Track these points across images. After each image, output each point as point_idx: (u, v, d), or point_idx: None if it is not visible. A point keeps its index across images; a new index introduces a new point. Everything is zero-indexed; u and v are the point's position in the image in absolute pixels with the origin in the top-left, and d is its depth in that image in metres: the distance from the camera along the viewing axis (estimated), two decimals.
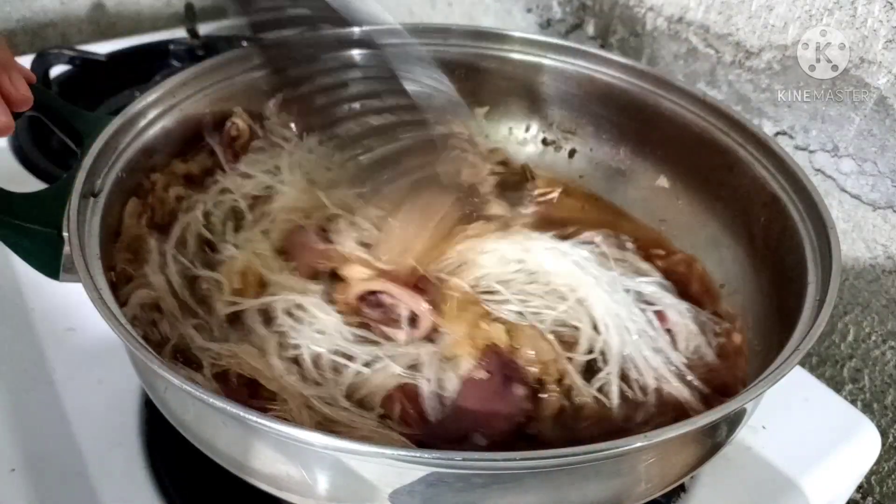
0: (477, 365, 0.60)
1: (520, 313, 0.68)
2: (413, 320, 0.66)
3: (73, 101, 0.74)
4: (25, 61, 1.05)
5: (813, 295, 0.62)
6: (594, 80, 0.90)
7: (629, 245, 0.80)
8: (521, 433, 0.59)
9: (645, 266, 0.77)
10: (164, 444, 0.68)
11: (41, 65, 1.14)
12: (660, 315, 0.70)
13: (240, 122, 0.85)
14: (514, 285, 0.70)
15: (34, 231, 0.62)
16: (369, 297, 0.68)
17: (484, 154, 0.90)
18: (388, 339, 0.66)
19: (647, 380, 0.65)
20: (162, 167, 0.78)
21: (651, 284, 0.73)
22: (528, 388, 0.60)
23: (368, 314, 0.67)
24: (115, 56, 1.26)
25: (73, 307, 0.78)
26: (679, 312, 0.70)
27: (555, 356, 0.64)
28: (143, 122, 0.74)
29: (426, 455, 0.47)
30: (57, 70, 1.20)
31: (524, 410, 0.59)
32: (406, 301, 0.66)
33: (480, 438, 0.58)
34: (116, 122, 0.70)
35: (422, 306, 0.66)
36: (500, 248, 0.72)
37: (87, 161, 0.65)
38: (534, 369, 0.63)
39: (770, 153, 0.75)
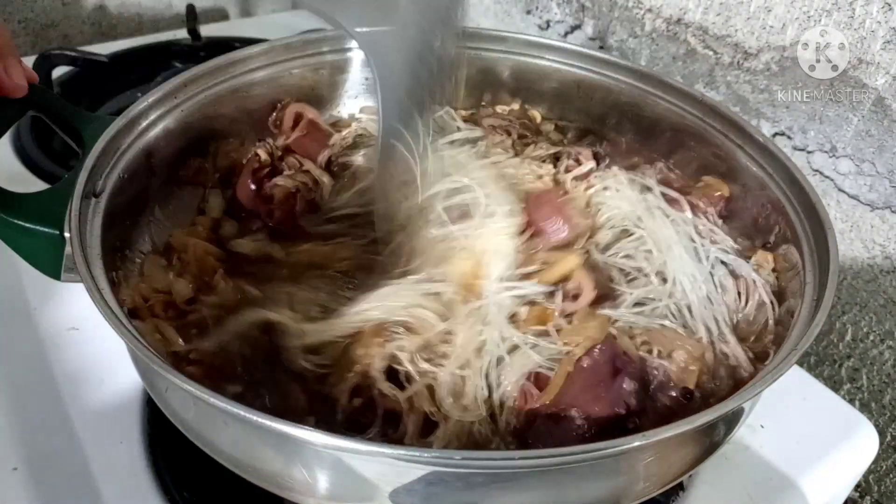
0: (587, 353, 0.62)
1: (639, 305, 0.70)
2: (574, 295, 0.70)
3: (75, 102, 0.75)
4: (27, 62, 1.05)
5: (811, 294, 0.63)
6: (593, 81, 0.90)
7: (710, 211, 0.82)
8: (620, 425, 0.59)
9: (720, 235, 0.79)
10: (165, 442, 0.69)
11: (43, 66, 1.15)
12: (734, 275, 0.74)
13: (262, 153, 0.84)
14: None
15: (36, 231, 0.62)
16: None
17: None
18: None
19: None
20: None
21: (730, 254, 0.76)
22: (638, 385, 0.61)
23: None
24: (116, 57, 1.26)
25: (75, 307, 0.79)
26: (753, 281, 0.73)
27: (702, 350, 0.66)
28: (144, 123, 0.74)
29: (426, 454, 0.48)
30: (59, 71, 1.20)
31: (627, 404, 0.59)
32: (580, 277, 0.70)
33: (578, 416, 0.58)
34: (118, 122, 0.70)
35: (589, 286, 0.69)
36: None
37: (89, 162, 0.65)
38: (692, 368, 0.64)
39: (768, 154, 0.75)
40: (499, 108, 0.98)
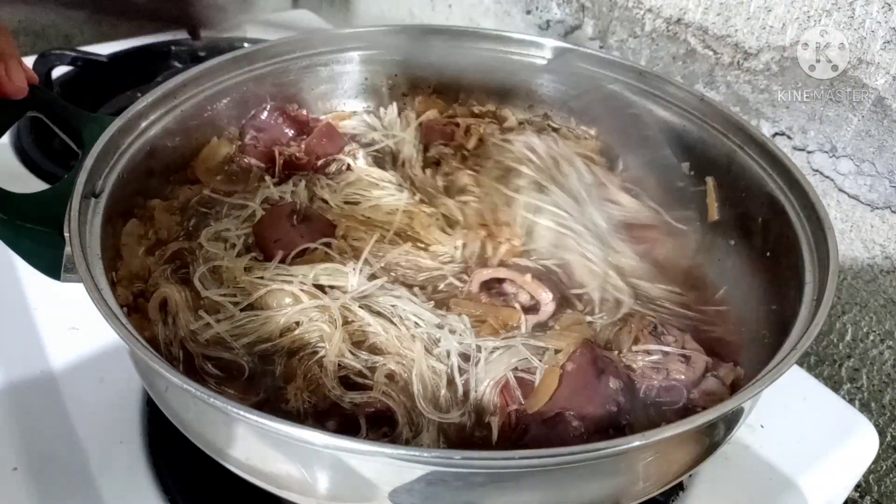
0: (568, 358, 0.62)
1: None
2: (532, 308, 0.69)
3: (75, 102, 0.75)
4: (27, 62, 1.05)
5: (810, 294, 0.62)
6: (592, 81, 0.90)
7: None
8: (614, 423, 0.59)
9: None
10: (165, 442, 0.69)
11: (43, 66, 1.15)
12: None
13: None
14: None
15: (35, 231, 0.62)
16: (493, 286, 0.72)
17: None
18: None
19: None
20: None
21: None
22: (621, 383, 0.61)
23: (488, 302, 0.70)
24: (116, 57, 1.26)
25: (75, 307, 0.78)
26: None
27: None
28: (144, 123, 0.74)
29: (426, 454, 0.48)
30: (59, 71, 1.20)
31: (617, 402, 0.60)
32: (532, 290, 0.69)
33: (573, 419, 0.58)
34: (117, 122, 0.70)
35: (546, 296, 0.69)
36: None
37: (89, 162, 0.65)
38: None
39: (768, 154, 0.75)
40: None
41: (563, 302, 0.71)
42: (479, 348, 0.64)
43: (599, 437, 0.57)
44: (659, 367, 0.64)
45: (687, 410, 0.62)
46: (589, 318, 0.70)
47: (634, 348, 0.65)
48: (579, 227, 0.76)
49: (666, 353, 0.64)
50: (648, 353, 0.65)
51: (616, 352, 0.66)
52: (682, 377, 0.63)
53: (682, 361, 0.64)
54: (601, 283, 0.72)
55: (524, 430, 0.60)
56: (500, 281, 0.72)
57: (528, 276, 0.69)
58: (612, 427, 0.59)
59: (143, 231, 0.73)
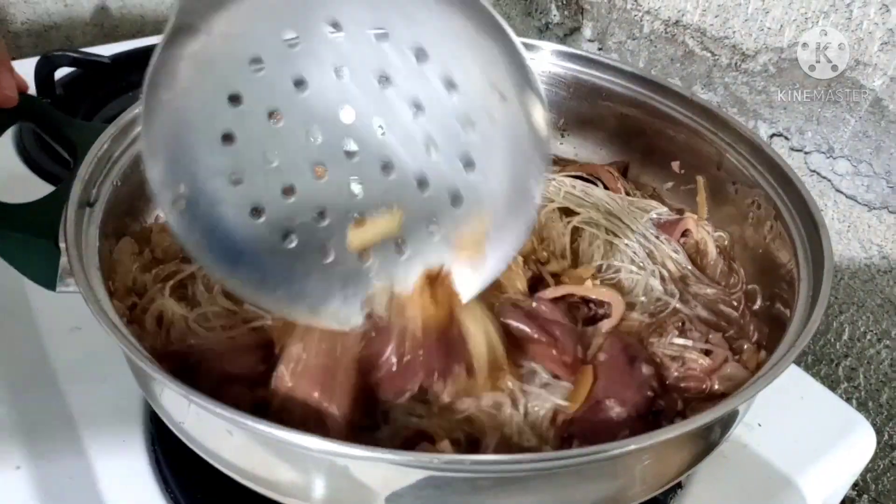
0: (599, 349, 0.62)
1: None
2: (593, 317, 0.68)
3: (77, 104, 0.74)
4: (29, 63, 1.05)
5: (805, 293, 0.62)
6: (591, 82, 0.90)
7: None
8: (652, 408, 0.60)
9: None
10: (167, 442, 0.69)
11: (45, 67, 1.15)
12: None
13: None
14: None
15: (29, 242, 0.61)
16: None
17: None
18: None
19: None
20: None
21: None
22: (653, 368, 0.62)
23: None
24: (119, 58, 1.26)
25: (77, 306, 0.78)
26: None
27: None
28: (137, 130, 0.74)
29: (428, 458, 0.48)
30: (61, 73, 1.21)
31: (652, 388, 0.60)
32: (599, 295, 0.67)
33: (615, 405, 0.58)
34: (110, 130, 0.69)
35: (616, 296, 0.67)
36: None
37: (83, 170, 0.64)
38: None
39: (758, 152, 0.74)
40: None
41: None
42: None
43: (642, 423, 0.58)
44: (676, 357, 0.65)
45: (709, 396, 0.63)
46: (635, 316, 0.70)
47: (655, 340, 0.66)
48: (621, 236, 0.77)
49: (686, 347, 0.65)
50: (668, 344, 0.66)
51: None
52: (697, 367, 0.64)
53: (703, 353, 0.65)
54: (646, 286, 0.73)
55: (569, 422, 0.60)
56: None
57: (589, 283, 0.68)
58: (651, 412, 0.59)
59: (137, 249, 0.72)
